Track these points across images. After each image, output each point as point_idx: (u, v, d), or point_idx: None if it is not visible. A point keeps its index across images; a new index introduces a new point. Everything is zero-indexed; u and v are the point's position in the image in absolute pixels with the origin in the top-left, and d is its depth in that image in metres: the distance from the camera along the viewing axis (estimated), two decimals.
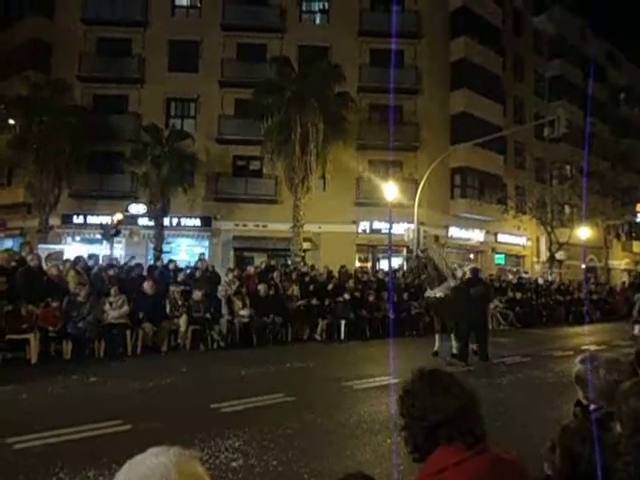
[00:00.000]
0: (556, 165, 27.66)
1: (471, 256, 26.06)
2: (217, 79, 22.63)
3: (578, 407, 2.27)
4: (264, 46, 23.02)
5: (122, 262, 13.56)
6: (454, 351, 9.46)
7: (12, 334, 8.36)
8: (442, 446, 1.39)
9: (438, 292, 9.69)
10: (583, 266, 27.43)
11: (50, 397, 6.38)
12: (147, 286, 10.38)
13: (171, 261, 13.18)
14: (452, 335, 9.64)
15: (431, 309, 10.82)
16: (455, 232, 24.44)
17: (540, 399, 6.61)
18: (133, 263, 12.52)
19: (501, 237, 26.68)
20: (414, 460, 1.45)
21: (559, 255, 26.04)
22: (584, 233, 25.79)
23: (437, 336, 9.97)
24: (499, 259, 27.36)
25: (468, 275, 9.59)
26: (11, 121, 19.84)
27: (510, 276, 22.38)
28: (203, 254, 15.30)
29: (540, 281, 20.70)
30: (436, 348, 9.79)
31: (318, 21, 24.68)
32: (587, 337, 14.25)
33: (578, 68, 30.98)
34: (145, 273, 11.80)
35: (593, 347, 11.13)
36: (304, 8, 24.41)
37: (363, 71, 23.18)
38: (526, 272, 25.59)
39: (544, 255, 27.12)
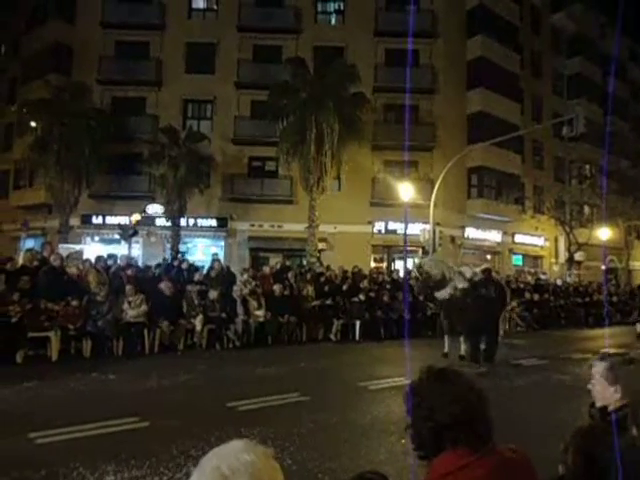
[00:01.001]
0: (575, 164, 27.23)
1: (488, 257, 25.78)
2: (233, 80, 22.80)
3: (594, 408, 2.24)
4: (280, 47, 23.13)
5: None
6: (462, 353, 9.35)
7: (34, 332, 8.56)
8: (447, 450, 1.37)
9: (444, 293, 9.59)
10: (603, 267, 26.92)
11: (70, 394, 6.52)
12: (164, 286, 10.52)
13: (184, 260, 13.33)
14: (461, 337, 9.52)
15: (440, 310, 10.58)
16: (472, 232, 24.21)
17: (557, 401, 6.53)
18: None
19: (519, 238, 26.33)
20: (419, 457, 1.45)
21: (578, 256, 25.61)
22: (604, 234, 25.31)
23: (446, 337, 9.88)
24: (516, 260, 27.00)
25: (480, 276, 9.35)
26: (33, 124, 20.29)
27: (528, 277, 22.07)
28: (217, 254, 15.39)
29: (558, 282, 20.38)
30: (446, 349, 9.70)
31: (333, 22, 24.69)
32: (607, 340, 13.99)
33: (597, 66, 30.43)
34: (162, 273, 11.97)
35: (613, 350, 10.93)
36: (319, 9, 24.44)
37: (378, 71, 23.11)
38: (544, 273, 25.22)
39: (563, 256, 26.69)
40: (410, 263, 19.14)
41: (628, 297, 21.76)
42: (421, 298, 12.67)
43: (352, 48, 22.77)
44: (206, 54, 23.05)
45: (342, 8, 24.29)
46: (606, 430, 1.74)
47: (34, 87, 21.59)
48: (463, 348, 9.47)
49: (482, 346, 9.11)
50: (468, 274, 10.07)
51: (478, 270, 9.92)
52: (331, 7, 24.68)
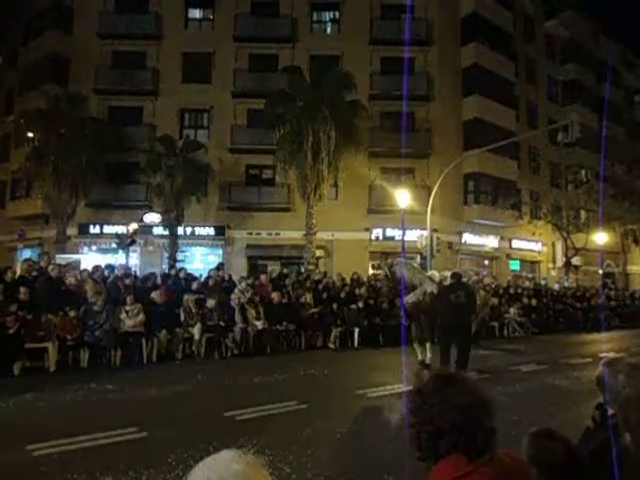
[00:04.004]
0: (571, 170, 27.39)
1: (485, 262, 25.84)
2: (230, 90, 22.91)
3: (598, 411, 2.25)
4: (276, 56, 23.27)
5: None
6: (427, 361, 9.20)
7: (31, 343, 8.53)
8: (445, 458, 1.37)
9: (412, 297, 9.41)
10: (600, 272, 27.00)
11: (68, 405, 6.49)
12: (155, 295, 10.51)
13: (181, 269, 13.30)
14: (427, 344, 9.37)
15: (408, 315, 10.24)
16: (469, 238, 24.27)
17: (557, 406, 6.52)
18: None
19: (516, 243, 26.41)
20: (417, 459, 1.46)
21: (575, 261, 25.68)
22: (601, 238, 25.41)
23: (416, 344, 9.76)
24: (514, 265, 27.06)
25: (449, 280, 9.11)
26: (30, 134, 20.32)
27: (526, 283, 22.12)
28: (222, 264, 15.35)
29: (556, 287, 20.38)
30: (421, 356, 9.57)
31: (329, 30, 24.89)
32: (605, 344, 13.99)
33: (591, 72, 30.73)
34: (159, 282, 11.94)
35: (612, 354, 10.93)
36: (315, 18, 24.64)
37: (374, 79, 23.27)
38: (545, 279, 25.24)
39: (560, 261, 26.76)
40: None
41: (629, 301, 21.67)
42: (385, 304, 12.58)
43: (348, 56, 22.92)
44: (202, 64, 23.18)
45: (337, 17, 24.49)
46: (556, 439, 1.77)
47: (31, 97, 21.65)
48: (428, 356, 9.31)
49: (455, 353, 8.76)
50: (437, 278, 9.97)
51: (448, 274, 9.71)
52: (326, 16, 24.88)
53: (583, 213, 26.42)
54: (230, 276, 13.38)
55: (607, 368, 2.12)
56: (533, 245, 27.14)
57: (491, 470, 1.36)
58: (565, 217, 25.29)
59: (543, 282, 23.05)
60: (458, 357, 8.52)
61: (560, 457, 1.77)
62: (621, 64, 33.84)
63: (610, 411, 2.00)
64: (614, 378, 2.00)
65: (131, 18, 23.34)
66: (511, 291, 17.79)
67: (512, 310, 16.36)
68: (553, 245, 27.72)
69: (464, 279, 9.64)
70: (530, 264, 28.05)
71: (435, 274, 10.69)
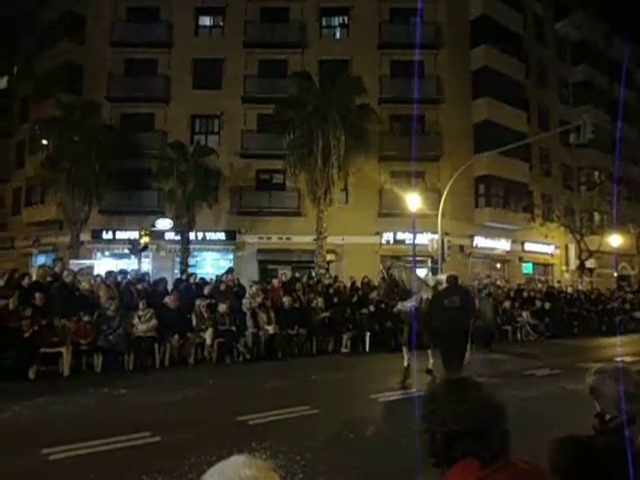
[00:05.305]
0: (584, 171, 27.10)
1: (498, 265, 25.63)
2: (240, 95, 23.07)
3: (596, 419, 2.25)
4: (285, 62, 23.41)
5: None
6: (429, 367, 8.94)
7: (46, 348, 8.63)
8: (459, 463, 1.36)
9: (407, 304, 9.07)
10: (615, 274, 26.62)
11: (82, 409, 6.55)
12: (168, 300, 10.57)
13: (191, 274, 13.37)
14: (429, 350, 9.08)
15: (404, 322, 9.57)
16: (481, 242, 24.09)
17: (572, 412, 6.42)
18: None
19: (528, 246, 26.14)
20: (432, 465, 1.45)
21: (589, 263, 25.36)
22: (615, 240, 25.07)
23: (405, 349, 9.17)
24: (527, 268, 26.79)
25: (444, 284, 8.84)
26: (44, 141, 20.66)
27: (539, 286, 21.86)
28: (232, 268, 15.40)
29: (569, 290, 20.12)
30: (405, 363, 8.97)
31: (338, 35, 24.98)
32: (621, 348, 13.78)
33: (603, 72, 30.40)
34: (171, 287, 12.03)
35: (628, 358, 10.76)
36: (324, 23, 24.76)
37: (384, 83, 23.27)
38: (558, 282, 24.98)
39: (573, 264, 26.45)
40: (420, 273, 18.93)
41: None
42: (383, 304, 12.36)
43: (357, 61, 22.97)
44: (213, 70, 23.39)
45: (346, 22, 24.58)
46: (575, 442, 1.77)
47: (46, 105, 22.01)
48: (431, 362, 9.01)
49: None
50: (431, 283, 9.78)
51: (443, 278, 9.43)
52: (335, 21, 24.98)
53: (597, 215, 26.11)
54: (238, 280, 13.37)
55: (597, 375, 2.14)
56: (546, 248, 26.84)
57: (505, 475, 1.35)
58: (578, 219, 25.02)
59: (557, 285, 22.79)
60: (454, 359, 8.23)
61: (585, 462, 1.75)
62: (634, 64, 33.44)
63: (607, 416, 2.01)
64: (604, 384, 2.01)
65: (143, 26, 23.68)
66: (524, 294, 17.62)
67: (525, 314, 16.20)
68: (566, 248, 27.39)
69: (473, 283, 9.46)
70: (543, 267, 27.75)
71: (429, 278, 10.52)
